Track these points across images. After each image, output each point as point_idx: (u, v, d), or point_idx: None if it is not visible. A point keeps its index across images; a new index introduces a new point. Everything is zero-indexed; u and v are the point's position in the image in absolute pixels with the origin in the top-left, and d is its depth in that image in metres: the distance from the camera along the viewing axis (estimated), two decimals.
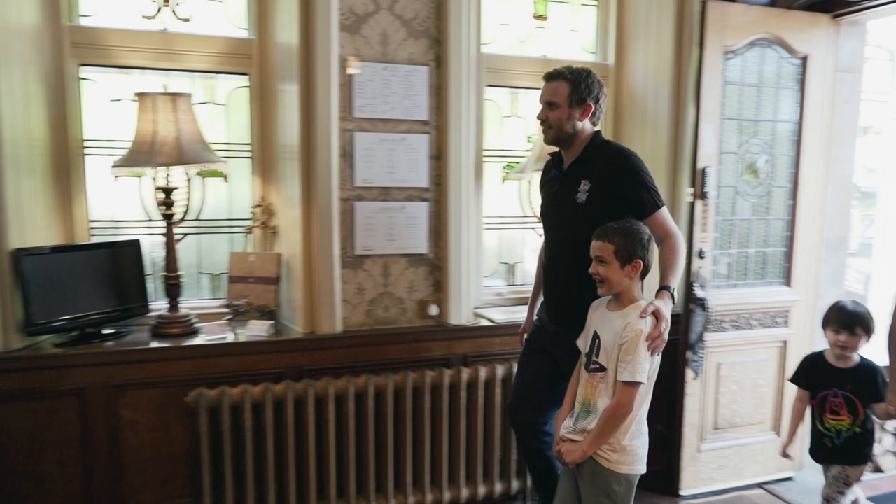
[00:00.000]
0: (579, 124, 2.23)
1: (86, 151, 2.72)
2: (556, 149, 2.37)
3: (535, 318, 2.58)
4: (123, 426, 2.53)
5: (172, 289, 2.67)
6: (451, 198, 2.87)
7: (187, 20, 2.79)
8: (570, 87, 2.20)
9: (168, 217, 2.64)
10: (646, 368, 1.91)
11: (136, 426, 2.54)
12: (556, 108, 2.21)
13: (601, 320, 2.06)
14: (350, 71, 2.69)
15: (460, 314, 2.93)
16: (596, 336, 2.05)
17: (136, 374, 2.52)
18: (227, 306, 2.82)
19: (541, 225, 2.51)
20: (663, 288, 2.06)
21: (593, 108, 2.24)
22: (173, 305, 2.69)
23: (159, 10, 2.75)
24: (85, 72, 2.69)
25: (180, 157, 2.50)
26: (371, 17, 2.73)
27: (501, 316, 3.06)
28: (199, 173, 2.79)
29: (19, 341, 2.43)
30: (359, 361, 2.76)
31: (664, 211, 2.19)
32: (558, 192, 2.31)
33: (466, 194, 2.91)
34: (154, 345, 2.59)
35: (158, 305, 2.76)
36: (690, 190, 3.04)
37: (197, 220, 2.88)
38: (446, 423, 2.80)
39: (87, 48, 2.64)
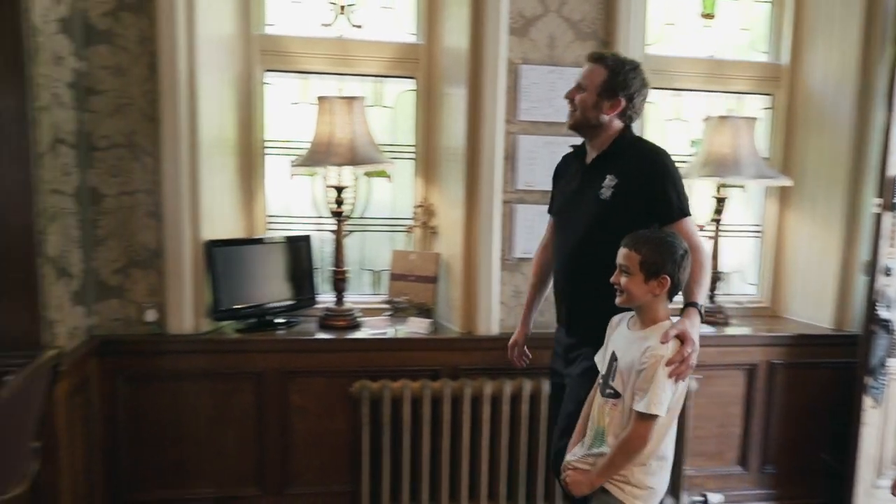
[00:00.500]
0: (605, 117, 2.03)
1: (266, 151, 2.91)
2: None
3: (528, 331, 2.46)
4: (292, 411, 2.68)
5: (339, 283, 2.80)
6: None
7: (360, 27, 2.91)
8: (607, 75, 2.01)
9: (338, 214, 2.77)
10: (665, 399, 1.68)
11: (304, 412, 2.69)
12: (583, 92, 2.05)
13: (620, 339, 1.85)
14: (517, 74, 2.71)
15: None
16: (614, 357, 1.83)
17: (305, 363, 2.67)
18: (387, 302, 2.91)
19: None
20: (690, 304, 1.84)
21: (624, 105, 2.02)
22: (339, 299, 2.81)
23: (336, 17, 2.90)
24: (267, 76, 2.88)
25: (354, 157, 2.61)
26: (539, 20, 2.72)
27: None
28: (366, 173, 2.90)
29: (207, 325, 2.64)
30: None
31: (691, 221, 1.97)
32: (579, 188, 2.12)
33: None
34: (321, 336, 2.73)
35: (324, 298, 2.91)
36: (878, 200, 2.78)
37: (361, 217, 3.00)
38: None
39: (273, 55, 2.83)
